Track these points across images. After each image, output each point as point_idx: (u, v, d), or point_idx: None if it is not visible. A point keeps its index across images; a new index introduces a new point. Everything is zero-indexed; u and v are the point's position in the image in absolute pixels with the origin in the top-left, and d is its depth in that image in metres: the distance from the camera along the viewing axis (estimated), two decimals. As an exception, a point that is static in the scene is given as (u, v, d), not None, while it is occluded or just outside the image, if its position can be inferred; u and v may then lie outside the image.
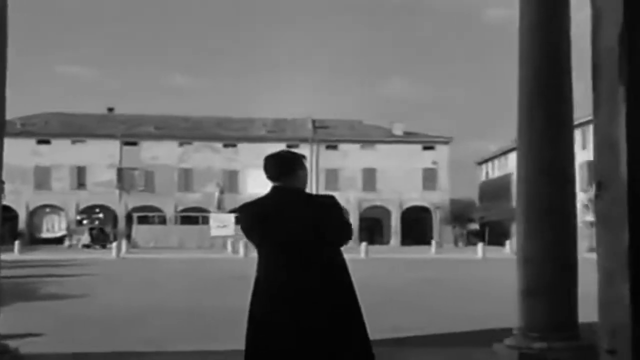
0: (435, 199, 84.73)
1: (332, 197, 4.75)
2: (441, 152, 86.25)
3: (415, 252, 54.36)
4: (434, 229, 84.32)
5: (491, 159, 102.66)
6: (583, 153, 70.45)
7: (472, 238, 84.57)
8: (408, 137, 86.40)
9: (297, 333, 4.50)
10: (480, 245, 50.69)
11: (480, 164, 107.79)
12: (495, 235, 77.06)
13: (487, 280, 26.02)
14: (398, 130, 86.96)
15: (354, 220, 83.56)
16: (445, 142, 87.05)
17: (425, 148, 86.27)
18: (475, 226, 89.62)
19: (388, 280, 25.62)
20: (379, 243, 79.12)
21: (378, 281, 23.45)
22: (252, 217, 4.81)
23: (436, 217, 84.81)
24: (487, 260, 44.69)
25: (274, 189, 4.83)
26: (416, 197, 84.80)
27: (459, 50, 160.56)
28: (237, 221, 6.02)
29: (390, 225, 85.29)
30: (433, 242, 61.93)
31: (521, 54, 8.83)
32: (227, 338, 11.37)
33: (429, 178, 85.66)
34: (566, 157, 8.66)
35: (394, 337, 10.89)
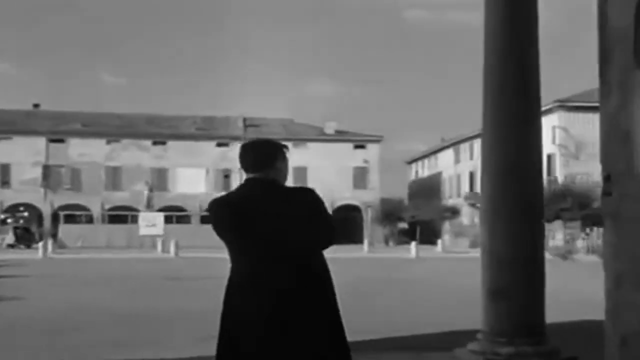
0: (366, 198, 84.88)
1: (312, 191, 4.32)
2: (372, 151, 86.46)
3: (347, 251, 53.86)
4: (365, 228, 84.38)
5: (421, 158, 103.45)
6: (469, 163, 71.52)
7: (402, 237, 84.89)
8: (339, 136, 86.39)
9: (277, 342, 4.12)
10: (413, 244, 50.76)
11: (410, 163, 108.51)
12: (425, 234, 77.33)
13: (428, 280, 25.78)
14: (329, 129, 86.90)
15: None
16: (376, 141, 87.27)
17: (357, 147, 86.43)
18: (404, 225, 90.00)
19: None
20: (310, 242, 78.77)
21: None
22: (226, 213, 4.31)
23: (367, 216, 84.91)
24: (421, 259, 44.71)
25: (249, 181, 4.39)
26: (347, 195, 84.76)
27: (386, 51, 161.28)
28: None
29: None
30: (365, 241, 61.87)
31: (486, 46, 8.46)
32: (178, 342, 10.98)
33: (360, 177, 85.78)
34: (533, 153, 8.31)
35: (350, 341, 10.42)
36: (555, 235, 54.67)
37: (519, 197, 8.10)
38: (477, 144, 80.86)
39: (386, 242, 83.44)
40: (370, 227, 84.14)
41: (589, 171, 52.16)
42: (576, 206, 46.50)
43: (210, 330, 12.66)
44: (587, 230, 51.01)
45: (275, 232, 4.17)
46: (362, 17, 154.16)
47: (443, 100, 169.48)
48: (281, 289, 4.13)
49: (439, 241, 63.27)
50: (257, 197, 4.27)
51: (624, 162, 4.41)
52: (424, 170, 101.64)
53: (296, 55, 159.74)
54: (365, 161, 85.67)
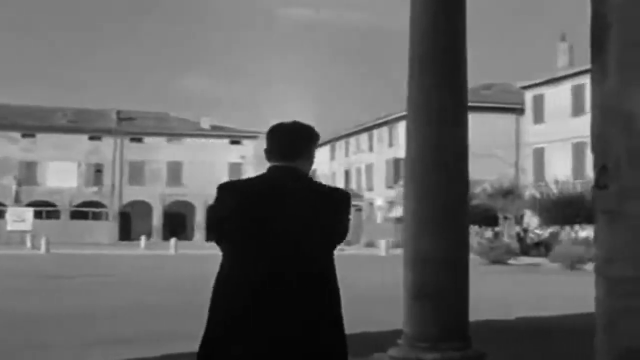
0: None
1: (348, 194, 3.77)
2: (248, 147, 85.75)
3: (210, 249, 53.21)
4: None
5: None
6: (390, 150, 72.45)
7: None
8: (215, 131, 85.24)
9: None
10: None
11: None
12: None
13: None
14: (205, 124, 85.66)
15: (157, 215, 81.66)
16: (253, 137, 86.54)
17: (233, 142, 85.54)
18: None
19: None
20: (183, 238, 77.41)
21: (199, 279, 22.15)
22: (242, 200, 3.62)
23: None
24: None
25: (278, 169, 3.72)
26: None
27: (261, 47, 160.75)
28: (215, 204, 4.46)
29: (195, 220, 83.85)
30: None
31: (412, 36, 8.00)
32: (71, 345, 10.20)
33: (236, 173, 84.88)
34: (459, 152, 7.88)
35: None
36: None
37: (444, 196, 7.66)
38: (353, 141, 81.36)
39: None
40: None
41: (474, 169, 52.74)
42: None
43: (101, 332, 11.81)
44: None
45: (305, 233, 3.56)
46: (236, 12, 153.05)
47: (319, 98, 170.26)
48: (297, 300, 3.50)
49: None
50: (288, 188, 3.62)
51: (624, 151, 3.89)
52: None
53: (171, 48, 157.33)
54: (242, 157, 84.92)
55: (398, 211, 65.77)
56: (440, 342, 7.53)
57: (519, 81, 58.85)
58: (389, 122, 73.24)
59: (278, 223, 3.53)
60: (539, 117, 54.66)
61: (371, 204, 76.07)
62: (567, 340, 11.89)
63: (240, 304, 3.49)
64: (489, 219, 46.89)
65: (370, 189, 76.81)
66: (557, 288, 23.13)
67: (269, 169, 3.74)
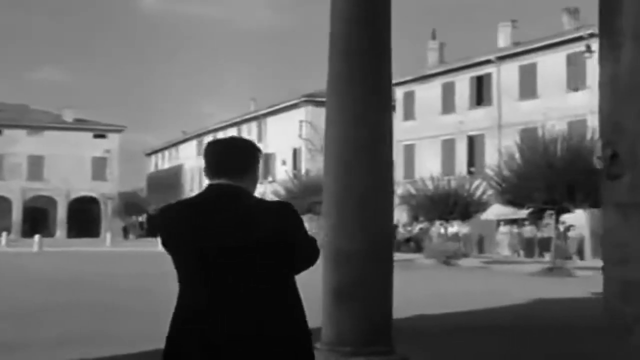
0: (106, 190, 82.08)
1: (291, 206, 3.50)
2: (113, 141, 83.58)
3: (88, 245, 51.61)
4: (103, 220, 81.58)
5: (161, 150, 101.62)
6: (259, 145, 71.84)
7: (140, 230, 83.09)
8: (79, 124, 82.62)
9: None
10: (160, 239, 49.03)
11: (150, 154, 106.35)
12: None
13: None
14: (68, 117, 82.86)
15: (17, 211, 78.70)
16: (118, 131, 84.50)
17: (97, 136, 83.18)
18: (141, 218, 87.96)
19: (81, 275, 23.43)
20: (44, 235, 74.63)
21: (68, 276, 21.18)
22: (178, 222, 3.47)
23: (106, 209, 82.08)
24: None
25: (216, 187, 3.49)
26: (85, 187, 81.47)
27: (126, 41, 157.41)
28: (151, 227, 4.02)
29: (57, 216, 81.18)
30: (108, 235, 59.47)
31: (333, 18, 7.44)
32: None
33: (100, 168, 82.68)
34: (382, 142, 7.38)
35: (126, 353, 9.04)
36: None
37: (366, 189, 7.15)
38: (245, 130, 80.00)
39: (125, 235, 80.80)
40: (109, 220, 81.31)
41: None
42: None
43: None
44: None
45: (243, 253, 3.34)
46: (98, 4, 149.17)
47: (185, 93, 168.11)
48: (243, 332, 3.29)
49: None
50: (223, 208, 3.41)
51: (641, 135, 3.44)
52: (164, 162, 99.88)
53: (31, 40, 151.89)
54: (107, 151, 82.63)
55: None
56: (362, 346, 7.02)
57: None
58: (258, 118, 72.75)
59: (221, 242, 3.33)
60: (409, 114, 55.22)
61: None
62: (486, 338, 11.69)
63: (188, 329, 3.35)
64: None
65: (239, 184, 75.97)
66: (441, 284, 23.17)
67: (206, 188, 3.53)
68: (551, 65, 44.57)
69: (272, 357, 3.29)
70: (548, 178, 27.99)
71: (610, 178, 3.50)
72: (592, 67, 39.46)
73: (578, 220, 35.13)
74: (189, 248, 3.37)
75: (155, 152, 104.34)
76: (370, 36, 7.35)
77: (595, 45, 32.18)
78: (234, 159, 3.54)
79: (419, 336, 11.14)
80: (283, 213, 3.45)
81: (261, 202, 3.52)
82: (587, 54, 31.29)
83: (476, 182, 37.07)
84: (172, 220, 3.49)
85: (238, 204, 3.42)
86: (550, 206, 29.26)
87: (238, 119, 77.27)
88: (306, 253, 3.49)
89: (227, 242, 3.32)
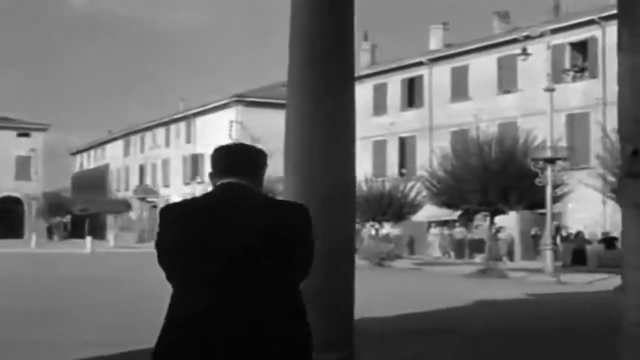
0: (30, 190, 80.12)
1: (307, 209, 3.50)
2: (37, 140, 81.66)
3: (12, 247, 50.21)
4: (27, 221, 79.68)
5: (87, 149, 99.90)
6: (188, 146, 71.11)
7: (64, 232, 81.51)
8: (2, 123, 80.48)
9: None
10: (89, 239, 48.33)
11: (75, 154, 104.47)
12: (91, 228, 74.27)
13: (129, 277, 23.84)
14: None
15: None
16: (42, 130, 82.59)
17: (21, 135, 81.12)
18: (66, 219, 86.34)
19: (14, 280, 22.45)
20: (-34, 237, 72.87)
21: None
22: (186, 222, 3.37)
23: (30, 209, 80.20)
24: (97, 254, 42.66)
25: (226, 186, 3.46)
26: (9, 187, 79.41)
27: (52, 38, 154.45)
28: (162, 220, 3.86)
29: (-21, 217, 79.08)
30: (33, 236, 57.94)
31: (294, 13, 7.13)
32: None
33: (24, 167, 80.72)
34: (345, 138, 7.10)
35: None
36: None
37: (328, 185, 6.88)
38: (149, 136, 79.19)
39: (50, 236, 79.07)
40: (34, 220, 79.45)
41: (275, 166, 52.46)
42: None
43: None
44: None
45: (250, 254, 3.29)
46: (25, 3, 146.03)
47: (111, 92, 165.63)
48: (244, 333, 3.22)
49: (111, 236, 60.95)
50: (237, 205, 3.39)
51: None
52: (90, 161, 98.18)
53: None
54: (31, 150, 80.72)
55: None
56: (323, 351, 6.71)
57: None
58: (187, 117, 71.91)
59: (227, 241, 3.29)
60: (340, 115, 55.23)
61: (167, 200, 74.40)
62: (438, 341, 11.54)
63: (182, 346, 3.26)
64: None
65: (166, 185, 75.11)
66: (377, 286, 22.92)
67: (218, 186, 3.50)
68: (482, 68, 44.94)
69: (272, 358, 3.24)
70: (483, 180, 28.14)
71: (630, 177, 3.25)
72: (525, 70, 39.94)
73: (507, 221, 35.39)
74: (198, 245, 3.30)
75: (81, 151, 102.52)
76: (333, 29, 7.08)
77: (531, 47, 32.49)
78: (249, 161, 3.55)
79: (367, 340, 10.90)
80: (294, 212, 3.46)
81: (272, 200, 3.54)
82: (522, 57, 31.50)
83: (410, 184, 37.11)
84: (187, 216, 3.40)
85: (250, 202, 3.39)
86: (484, 208, 29.41)
87: (167, 119, 76.20)
88: (308, 256, 3.47)
89: (234, 242, 3.27)
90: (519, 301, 19.09)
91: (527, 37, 33.06)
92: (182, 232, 3.34)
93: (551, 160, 28.23)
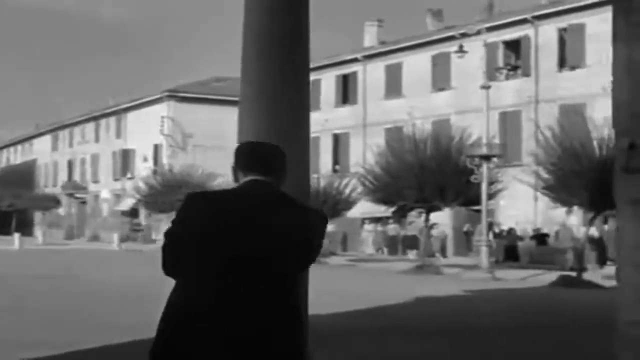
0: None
1: (326, 218, 3.59)
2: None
3: None
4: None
5: (13, 144, 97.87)
6: (117, 141, 70.03)
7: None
8: None
9: None
10: (17, 236, 47.20)
11: (1, 148, 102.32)
12: (19, 224, 72.61)
13: (64, 275, 23.24)
14: None
15: None
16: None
17: (-56, 129, 79.12)
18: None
19: None
20: None
21: None
22: (214, 214, 3.29)
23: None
24: (26, 251, 41.68)
25: (255, 182, 3.43)
26: None
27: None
28: (180, 213, 3.62)
29: None
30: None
31: (247, 9, 6.90)
32: None
33: None
34: (298, 134, 6.90)
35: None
36: (161, 226, 54.04)
37: (283, 184, 6.62)
38: (78, 131, 77.80)
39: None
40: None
41: (196, 162, 52.05)
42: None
43: None
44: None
45: (283, 255, 3.32)
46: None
47: (38, 86, 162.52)
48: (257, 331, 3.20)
49: (39, 232, 59.78)
50: (268, 205, 3.38)
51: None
52: (16, 156, 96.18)
53: None
54: None
55: (126, 204, 63.79)
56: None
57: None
58: (117, 112, 70.85)
59: (250, 235, 3.26)
60: (274, 111, 54.87)
61: (97, 196, 73.30)
62: (386, 339, 11.42)
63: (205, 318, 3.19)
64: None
65: (95, 180, 73.96)
66: (314, 283, 22.76)
67: (246, 182, 3.44)
68: (416, 65, 45.14)
69: (270, 358, 3.22)
70: (419, 177, 28.26)
71: (627, 172, 3.13)
72: (458, 68, 40.25)
73: (440, 218, 35.62)
74: (221, 241, 3.24)
75: (7, 146, 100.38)
76: (287, 24, 6.88)
77: (465, 45, 32.70)
78: (276, 160, 3.56)
79: (312, 339, 10.73)
80: (317, 219, 3.50)
81: (298, 203, 3.55)
82: (459, 54, 31.68)
83: (345, 180, 37.07)
84: (218, 210, 3.32)
85: (278, 203, 3.39)
86: (421, 204, 29.53)
87: (96, 114, 74.93)
88: (308, 264, 3.57)
89: (259, 242, 3.25)
90: (459, 298, 19.14)
91: (464, 35, 33.34)
92: (209, 225, 3.26)
93: (486, 157, 28.48)
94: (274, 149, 3.66)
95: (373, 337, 11.85)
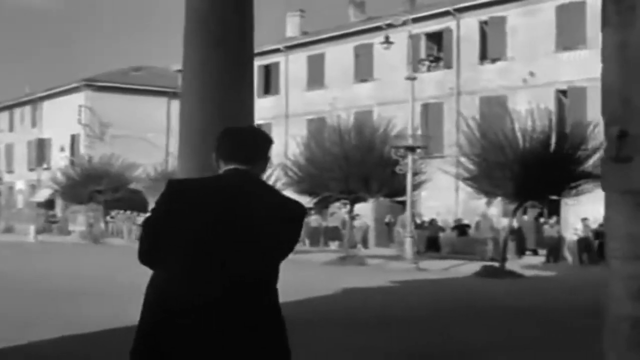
0: None
1: (304, 209, 3.55)
2: None
3: None
4: None
5: None
6: (33, 131, 68.34)
7: None
8: None
9: None
10: None
11: None
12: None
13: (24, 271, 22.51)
14: None
15: None
16: None
17: None
18: None
19: None
20: None
21: None
22: (193, 205, 3.29)
23: None
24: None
25: (235, 172, 3.42)
26: None
27: None
28: (160, 199, 3.43)
29: None
30: None
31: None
32: None
33: None
34: (244, 119, 6.74)
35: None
36: (78, 218, 53.02)
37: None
38: (18, 114, 75.35)
39: None
40: None
41: (115, 152, 51.09)
42: (110, 188, 45.32)
43: None
44: (113, 213, 50.09)
45: (252, 244, 3.27)
46: None
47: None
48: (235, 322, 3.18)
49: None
50: (246, 193, 3.36)
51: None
52: None
53: None
54: None
55: (41, 195, 62.38)
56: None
57: (177, 64, 57.82)
58: (33, 101, 69.15)
59: (230, 227, 3.26)
60: (194, 101, 54.17)
61: (11, 187, 71.55)
62: (326, 332, 11.23)
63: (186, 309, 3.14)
64: (141, 204, 45.48)
65: (10, 171, 72.11)
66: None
67: (227, 172, 3.45)
68: (339, 56, 45.11)
69: (253, 351, 3.20)
70: (344, 168, 28.23)
71: (617, 161, 3.02)
72: (381, 59, 40.38)
73: (362, 209, 35.70)
74: (197, 232, 3.22)
75: None
76: (231, 15, 6.70)
77: (393, 36, 32.72)
78: (257, 148, 3.52)
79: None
80: (296, 211, 3.44)
81: (277, 195, 3.49)
82: (385, 45, 31.68)
83: (269, 171, 36.84)
84: (196, 198, 3.32)
85: (257, 194, 3.36)
86: (345, 196, 29.52)
87: (11, 102, 73.01)
88: (285, 256, 3.45)
89: (235, 235, 3.21)
90: (386, 289, 19.16)
91: (390, 25, 33.38)
92: (189, 215, 3.23)
93: (411, 149, 28.60)
94: (257, 136, 3.59)
95: (304, 329, 11.69)
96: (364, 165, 28.14)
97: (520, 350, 10.47)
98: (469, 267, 26.45)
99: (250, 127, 3.89)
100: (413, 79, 30.59)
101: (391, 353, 10.08)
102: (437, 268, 27.01)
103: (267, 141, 3.58)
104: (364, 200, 30.46)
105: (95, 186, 45.02)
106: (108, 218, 50.81)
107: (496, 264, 25.10)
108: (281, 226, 3.32)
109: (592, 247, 29.64)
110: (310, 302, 15.16)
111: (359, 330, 11.81)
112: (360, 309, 14.67)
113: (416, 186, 30.43)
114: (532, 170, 22.67)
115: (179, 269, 3.18)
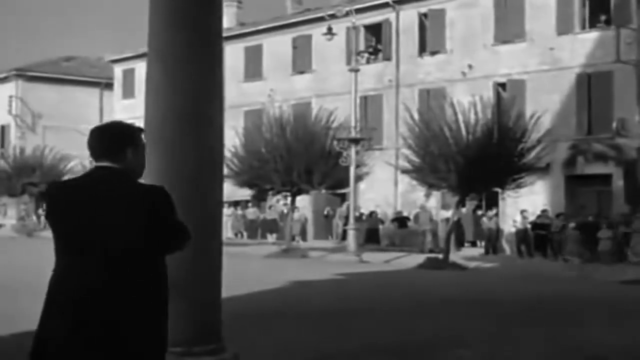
0: None
1: (162, 191, 3.75)
2: None
3: None
4: None
5: None
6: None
7: None
8: None
9: None
10: None
11: None
12: None
13: None
14: None
15: None
16: None
17: None
18: None
19: None
20: None
21: None
22: (57, 199, 3.71)
23: None
24: None
25: (96, 170, 3.77)
26: None
27: None
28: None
29: None
30: None
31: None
32: None
33: None
34: (211, 111, 6.49)
35: None
36: (8, 211, 52.00)
37: (194, 157, 6.30)
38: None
39: None
40: None
41: (47, 144, 50.09)
42: (43, 181, 44.33)
43: None
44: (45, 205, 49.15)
45: (113, 233, 3.56)
46: None
47: None
48: (87, 295, 3.48)
49: None
50: (98, 187, 3.66)
51: None
52: None
53: None
54: None
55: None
56: (194, 345, 6.19)
57: (110, 54, 56.89)
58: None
59: (82, 218, 3.55)
60: (129, 92, 53.17)
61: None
62: (284, 324, 11.08)
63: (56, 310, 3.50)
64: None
65: None
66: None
67: (92, 169, 3.78)
68: (277, 48, 44.78)
69: (131, 343, 3.47)
70: (286, 160, 28.03)
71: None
72: (319, 51, 40.28)
73: (301, 201, 35.52)
74: (66, 226, 3.56)
75: None
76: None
77: (337, 27, 32.61)
78: (108, 142, 3.71)
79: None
80: (157, 198, 3.65)
81: (134, 184, 3.70)
82: (328, 36, 31.53)
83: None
84: (59, 198, 3.68)
85: (116, 187, 3.60)
86: (287, 188, 29.33)
87: None
88: (176, 236, 3.72)
89: (98, 225, 3.48)
90: (333, 281, 19.06)
91: (332, 16, 33.25)
92: (60, 213, 3.62)
93: (355, 141, 28.52)
94: (105, 133, 3.76)
95: (258, 323, 11.53)
96: (307, 157, 27.99)
97: (480, 343, 10.42)
98: (410, 259, 26.54)
99: (107, 123, 3.93)
100: (356, 70, 30.52)
101: (348, 347, 9.94)
102: (379, 260, 27.04)
103: (119, 136, 3.72)
104: (306, 192, 30.32)
105: (28, 178, 44.07)
106: (40, 211, 49.79)
107: (439, 256, 25.20)
108: (146, 214, 3.54)
109: (530, 239, 29.99)
110: (260, 296, 14.98)
111: (314, 323, 11.67)
112: (311, 303, 14.51)
113: (358, 178, 30.38)
114: (476, 162, 22.79)
115: (59, 263, 3.58)
